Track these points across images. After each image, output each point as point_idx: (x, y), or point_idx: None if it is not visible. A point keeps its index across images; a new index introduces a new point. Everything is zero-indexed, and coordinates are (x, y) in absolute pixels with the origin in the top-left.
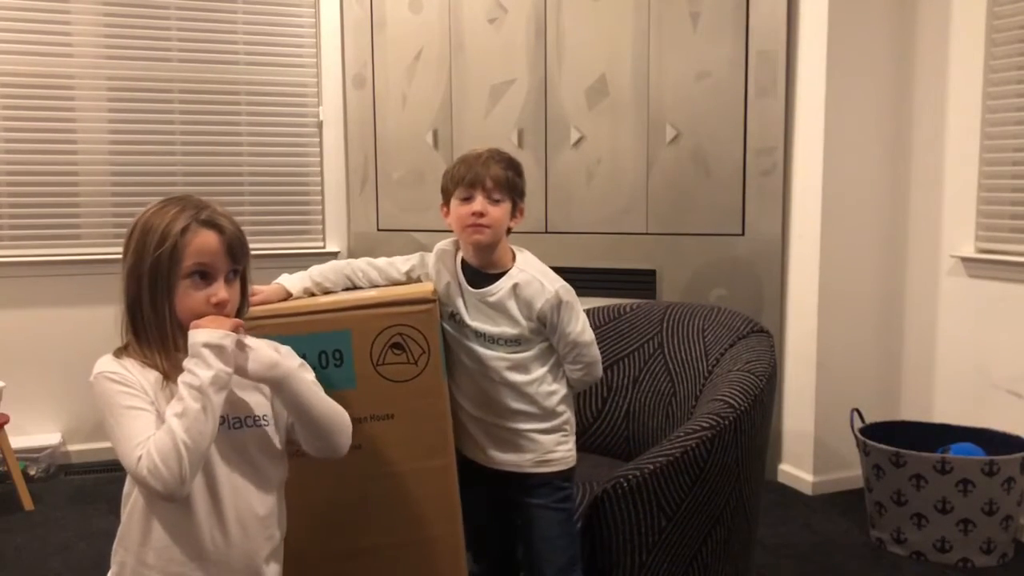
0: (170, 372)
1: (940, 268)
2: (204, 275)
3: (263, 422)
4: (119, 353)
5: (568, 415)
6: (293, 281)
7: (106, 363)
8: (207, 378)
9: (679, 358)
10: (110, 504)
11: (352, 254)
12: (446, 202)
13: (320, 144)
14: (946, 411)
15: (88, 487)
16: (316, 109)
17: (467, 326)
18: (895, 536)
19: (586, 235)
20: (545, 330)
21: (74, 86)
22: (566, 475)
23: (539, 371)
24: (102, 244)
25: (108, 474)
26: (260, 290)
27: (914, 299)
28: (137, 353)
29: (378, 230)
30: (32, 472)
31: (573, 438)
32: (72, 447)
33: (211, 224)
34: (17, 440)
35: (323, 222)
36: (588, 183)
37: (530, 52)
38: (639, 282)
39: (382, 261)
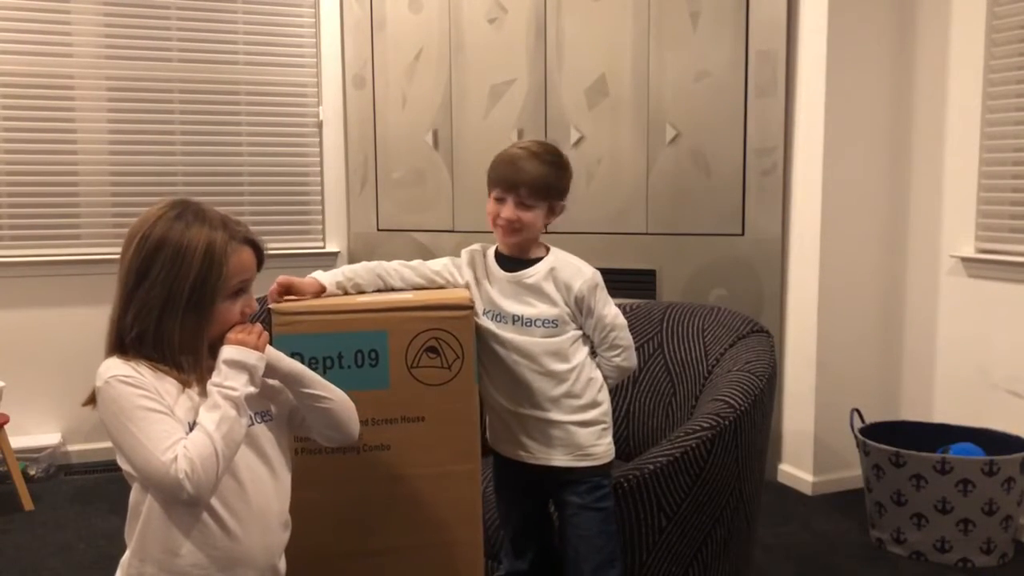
0: (188, 381)
1: (940, 268)
2: (241, 290)
3: (268, 417)
4: (125, 356)
5: (607, 406)
6: (327, 277)
7: (116, 366)
8: (246, 392)
9: (679, 358)
10: (110, 504)
11: (352, 254)
12: (490, 191)
13: (320, 144)
14: (946, 411)
15: (88, 487)
16: (316, 109)
17: (504, 313)
18: (895, 536)
19: (586, 235)
20: (580, 316)
21: (74, 86)
22: (605, 471)
23: (578, 359)
24: (102, 244)
25: (108, 474)
26: (295, 281)
27: (914, 299)
28: (148, 360)
29: (378, 230)
30: (32, 472)
31: (611, 431)
32: (72, 447)
33: (249, 242)
34: (17, 440)
35: (323, 222)
36: (588, 183)
37: (530, 52)
38: (639, 282)
39: (415, 262)
